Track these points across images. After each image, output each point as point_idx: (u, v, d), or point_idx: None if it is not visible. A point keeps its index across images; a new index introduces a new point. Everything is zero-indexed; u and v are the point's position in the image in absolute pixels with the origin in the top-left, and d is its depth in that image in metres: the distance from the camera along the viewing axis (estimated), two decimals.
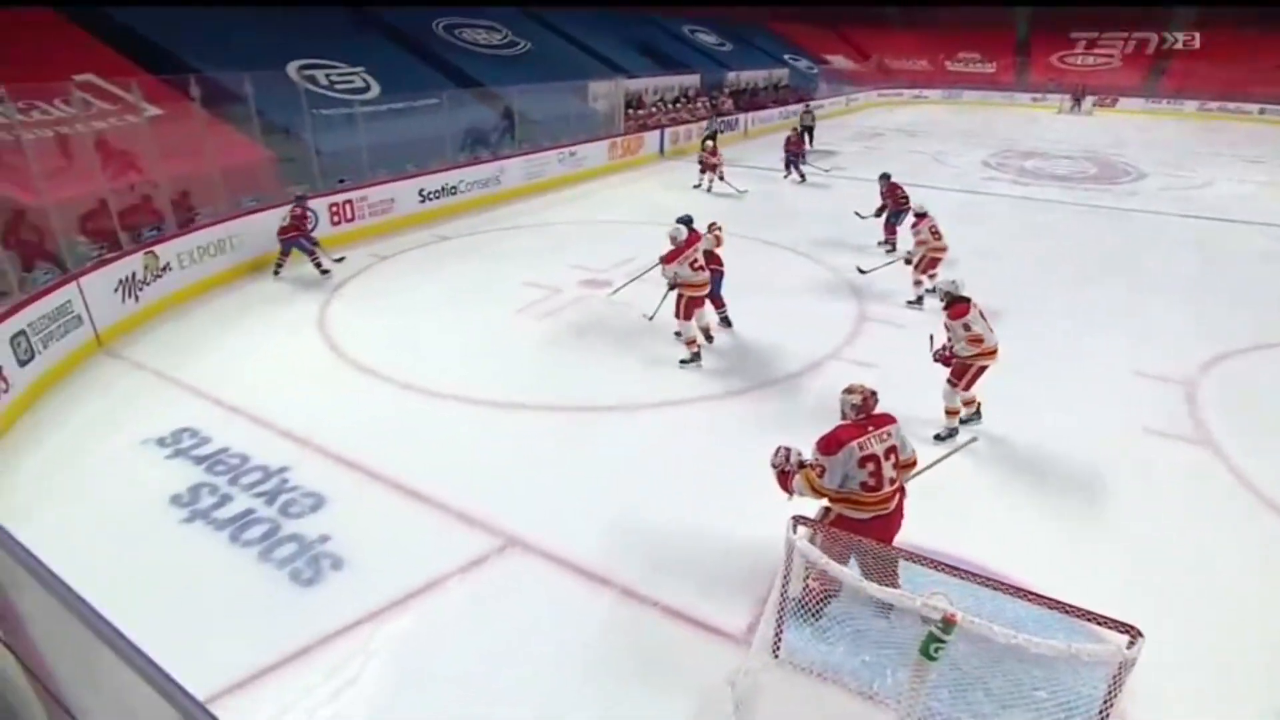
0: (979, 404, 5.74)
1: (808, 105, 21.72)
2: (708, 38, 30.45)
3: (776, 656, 3.49)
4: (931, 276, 8.28)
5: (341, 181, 11.17)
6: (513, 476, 5.13)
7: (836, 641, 3.60)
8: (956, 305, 5.39)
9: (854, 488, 3.47)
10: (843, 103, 31.17)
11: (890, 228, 10.56)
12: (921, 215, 8.66)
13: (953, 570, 2.96)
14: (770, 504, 4.50)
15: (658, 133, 18.84)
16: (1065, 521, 4.74)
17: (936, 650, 2.48)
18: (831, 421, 3.71)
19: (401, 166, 12.41)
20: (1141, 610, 3.58)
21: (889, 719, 2.92)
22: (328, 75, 14.54)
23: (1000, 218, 13.29)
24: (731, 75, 26.47)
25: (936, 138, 24.15)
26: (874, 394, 3.63)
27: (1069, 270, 10.11)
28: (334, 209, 10.66)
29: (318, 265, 9.41)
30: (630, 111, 19.08)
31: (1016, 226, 12.70)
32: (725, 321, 7.75)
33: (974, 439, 5.09)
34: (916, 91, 37.16)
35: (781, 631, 3.45)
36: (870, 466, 3.44)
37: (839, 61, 36.61)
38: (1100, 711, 2.66)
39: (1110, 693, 2.60)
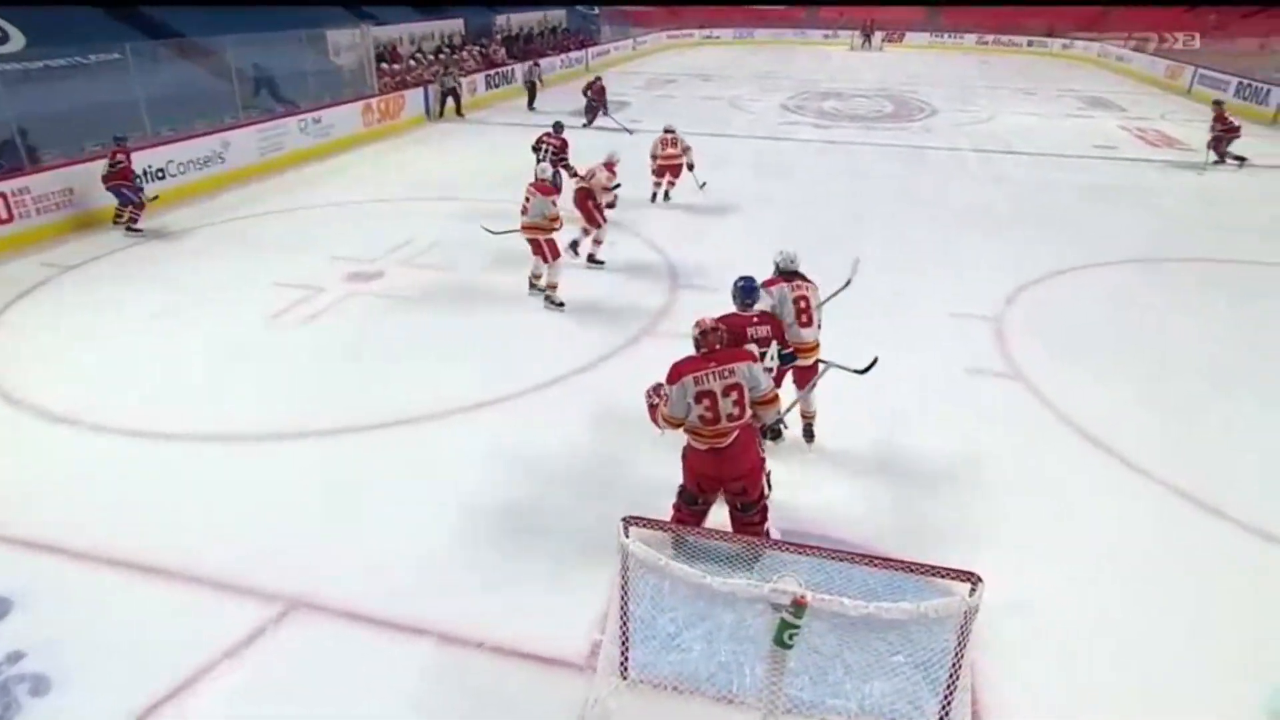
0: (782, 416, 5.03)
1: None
2: None
3: (625, 678, 3.53)
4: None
5: None
6: (284, 525, 4.72)
7: (689, 646, 3.71)
8: (774, 277, 5.26)
9: (694, 420, 3.92)
10: (630, 47, 32.04)
11: None
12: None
13: (799, 547, 3.15)
14: (601, 507, 4.55)
15: (421, 91, 18.15)
16: (899, 473, 5.26)
17: (791, 637, 2.63)
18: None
19: (78, 145, 10.88)
20: (986, 554, 4.05)
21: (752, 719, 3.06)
22: None
23: (805, 164, 14.40)
24: (501, 19, 26.19)
25: (732, 81, 25.62)
26: (715, 329, 4.03)
27: (879, 214, 11.21)
28: None
29: (133, 222, 9.88)
30: (384, 66, 18.22)
31: (822, 172, 13.84)
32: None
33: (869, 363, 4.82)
34: (707, 32, 39.13)
35: (628, 649, 3.49)
36: (706, 402, 3.86)
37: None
38: (952, 664, 2.98)
39: (960, 644, 2.91)
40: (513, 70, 22.29)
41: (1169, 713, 3.55)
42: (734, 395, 3.89)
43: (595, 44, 29.69)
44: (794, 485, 4.97)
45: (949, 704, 3.08)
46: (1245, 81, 20.47)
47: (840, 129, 17.86)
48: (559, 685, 3.63)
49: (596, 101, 17.03)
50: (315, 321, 7.56)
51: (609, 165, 8.91)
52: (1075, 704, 3.58)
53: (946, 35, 38.16)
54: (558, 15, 30.42)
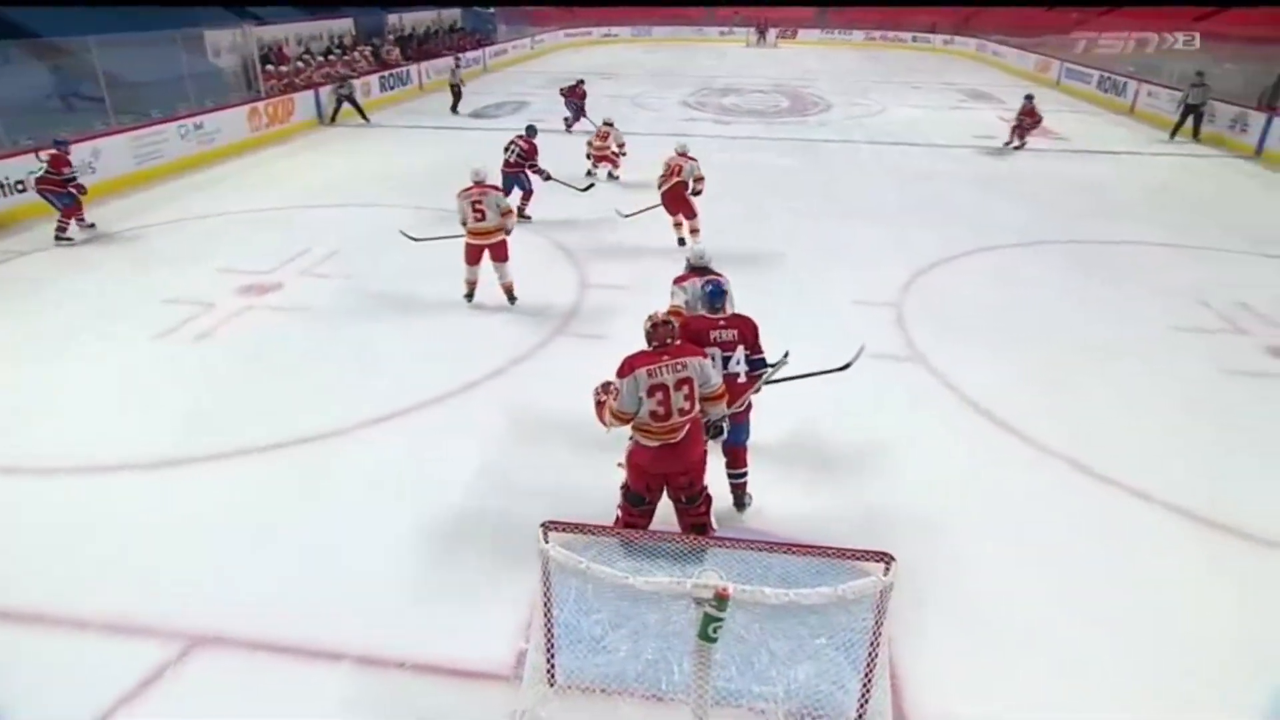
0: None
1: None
2: None
3: (553, 685, 3.49)
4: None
5: None
6: (181, 557, 4.46)
7: (616, 648, 3.71)
8: (686, 272, 5.38)
9: (645, 416, 3.89)
10: (528, 46, 31.76)
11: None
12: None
13: (718, 540, 3.18)
14: (520, 512, 4.48)
15: (312, 94, 17.49)
16: (817, 463, 5.40)
17: (715, 630, 2.65)
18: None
19: None
20: (901, 535, 4.19)
21: (683, 716, 3.07)
22: None
23: (708, 160, 14.52)
24: (393, 18, 25.50)
25: (633, 79, 25.75)
26: (667, 323, 3.98)
27: (781, 207, 11.45)
28: None
29: (61, 230, 9.60)
30: (269, 68, 17.46)
31: (725, 167, 14.01)
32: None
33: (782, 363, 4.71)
34: (605, 30, 39.21)
35: (554, 654, 3.45)
36: (659, 395, 3.85)
37: None
38: (871, 642, 3.07)
39: (877, 622, 3.01)
40: (408, 71, 21.74)
41: (1077, 673, 3.76)
42: (685, 389, 3.88)
43: (493, 43, 29.31)
44: (715, 480, 5.03)
45: (870, 680, 3.17)
46: (1106, 75, 21.94)
47: (740, 124, 18.18)
48: (486, 699, 3.56)
49: (579, 105, 16.69)
50: (208, 339, 7.18)
51: (685, 154, 9.39)
52: (987, 674, 3.74)
53: (836, 32, 39.44)
54: (453, 14, 29.84)
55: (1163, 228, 10.62)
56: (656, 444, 3.96)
